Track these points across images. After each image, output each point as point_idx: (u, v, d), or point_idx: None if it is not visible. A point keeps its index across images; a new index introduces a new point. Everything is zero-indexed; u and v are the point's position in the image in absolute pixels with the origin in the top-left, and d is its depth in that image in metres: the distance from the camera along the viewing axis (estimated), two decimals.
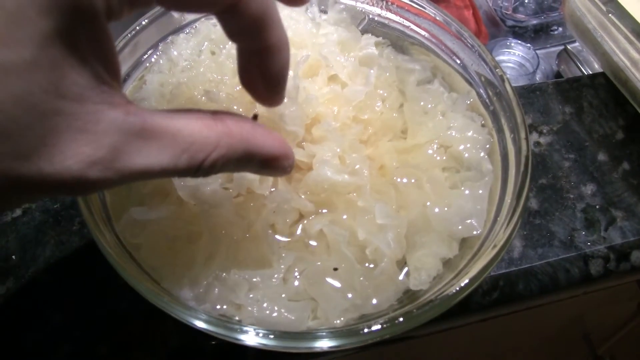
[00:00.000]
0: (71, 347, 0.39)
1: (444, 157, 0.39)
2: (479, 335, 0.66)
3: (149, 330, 0.40)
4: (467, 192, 0.36)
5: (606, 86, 0.53)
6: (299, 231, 0.34)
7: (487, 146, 0.39)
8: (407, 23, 0.44)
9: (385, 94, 0.40)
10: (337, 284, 0.32)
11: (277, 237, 0.33)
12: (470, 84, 0.41)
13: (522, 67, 0.81)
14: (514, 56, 0.81)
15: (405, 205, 0.35)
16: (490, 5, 0.84)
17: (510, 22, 0.84)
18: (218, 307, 0.31)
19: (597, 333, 0.75)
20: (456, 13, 0.85)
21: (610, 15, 0.47)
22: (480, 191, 0.37)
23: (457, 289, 0.31)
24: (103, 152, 0.20)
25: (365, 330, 0.29)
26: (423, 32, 0.44)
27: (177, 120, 0.22)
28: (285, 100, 0.34)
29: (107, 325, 0.40)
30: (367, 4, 0.44)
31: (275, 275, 0.32)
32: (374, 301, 0.33)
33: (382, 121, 0.39)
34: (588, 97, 0.53)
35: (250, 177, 0.33)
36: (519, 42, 0.80)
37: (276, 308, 0.31)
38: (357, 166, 0.34)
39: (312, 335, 0.29)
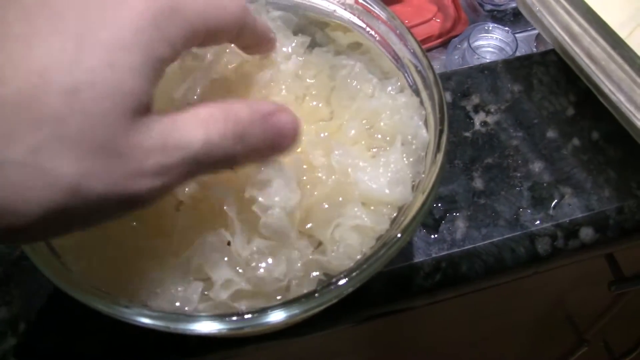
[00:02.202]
0: (15, 340, 0.40)
1: (371, 133, 0.39)
2: (453, 319, 0.66)
3: (93, 321, 0.41)
4: (384, 159, 0.36)
5: (557, 63, 0.52)
6: (201, 205, 0.34)
7: (422, 115, 0.39)
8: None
9: (309, 84, 0.40)
10: (227, 256, 0.32)
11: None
12: (400, 70, 0.41)
13: (502, 51, 0.80)
14: (492, 40, 0.80)
15: (321, 181, 0.35)
16: None
17: (488, 7, 0.83)
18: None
19: (581, 316, 0.73)
20: (435, 0, 0.84)
21: None
22: (404, 159, 0.37)
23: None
24: None
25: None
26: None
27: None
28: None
29: (51, 319, 0.41)
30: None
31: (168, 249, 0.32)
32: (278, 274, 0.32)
33: (304, 109, 0.39)
34: (538, 74, 0.52)
35: None
36: (498, 26, 0.79)
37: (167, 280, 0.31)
38: None
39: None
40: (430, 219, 0.45)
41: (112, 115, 0.23)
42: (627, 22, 0.48)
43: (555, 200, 0.46)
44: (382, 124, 0.38)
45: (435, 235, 0.45)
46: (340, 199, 0.34)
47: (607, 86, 0.44)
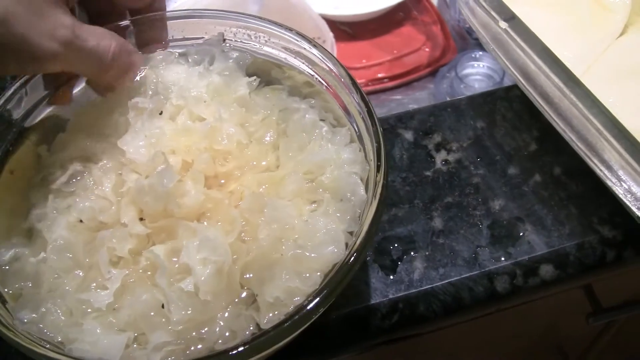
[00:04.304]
0: None
1: (312, 187, 0.39)
2: (444, 352, 0.66)
3: None
4: (319, 218, 0.37)
5: (521, 98, 0.53)
6: (142, 261, 0.35)
7: (365, 172, 0.39)
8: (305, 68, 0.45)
9: (254, 130, 0.41)
10: (165, 318, 0.33)
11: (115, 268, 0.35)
12: (349, 119, 0.42)
13: (490, 79, 0.80)
14: (481, 68, 0.80)
15: (253, 238, 0.36)
16: (449, 17, 0.84)
17: (476, 35, 0.83)
18: (48, 332, 0.33)
19: (571, 346, 0.72)
20: (424, 29, 0.85)
21: (501, 26, 0.47)
22: (339, 217, 0.37)
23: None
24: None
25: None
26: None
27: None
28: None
29: None
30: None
31: (106, 302, 0.33)
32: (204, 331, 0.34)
33: (247, 157, 0.40)
34: (502, 110, 0.52)
35: (98, 206, 0.36)
36: (485, 54, 0.80)
37: (98, 331, 0.33)
38: (193, 192, 0.36)
39: None
40: (388, 260, 0.46)
41: None
42: (582, 59, 0.48)
43: (515, 238, 0.46)
44: (323, 178, 0.39)
45: (393, 276, 0.45)
46: (274, 257, 0.35)
47: (559, 125, 0.45)
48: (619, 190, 0.42)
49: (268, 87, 0.45)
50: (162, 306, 0.33)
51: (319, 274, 0.35)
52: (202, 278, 0.33)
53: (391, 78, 0.81)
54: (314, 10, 0.79)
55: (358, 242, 0.34)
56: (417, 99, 0.81)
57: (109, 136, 0.40)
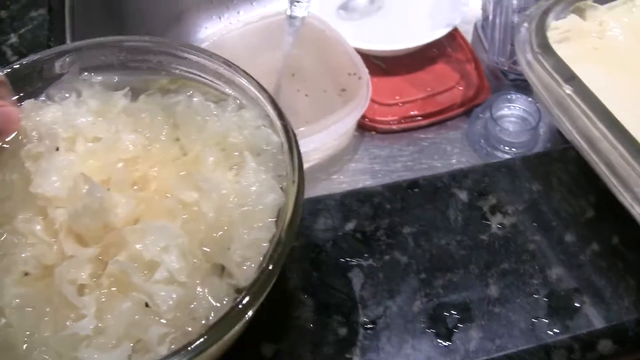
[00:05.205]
0: None
1: (228, 153, 0.41)
2: None
3: None
4: (247, 176, 0.39)
5: (577, 160, 0.51)
6: (104, 280, 0.35)
7: (268, 120, 0.41)
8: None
9: (148, 131, 0.42)
10: (152, 314, 0.34)
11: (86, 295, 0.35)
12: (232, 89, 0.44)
13: (525, 122, 0.79)
14: (516, 110, 0.79)
15: (197, 216, 0.37)
16: (484, 56, 0.83)
17: (511, 76, 0.82)
18: None
19: None
20: (458, 68, 0.84)
21: (565, 90, 0.46)
22: (263, 168, 0.40)
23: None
24: None
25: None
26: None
27: None
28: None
29: None
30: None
31: (90, 327, 0.33)
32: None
33: (154, 155, 0.41)
34: (557, 172, 0.51)
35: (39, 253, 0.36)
36: (521, 95, 0.78)
37: (96, 356, 0.33)
38: (124, 200, 0.37)
39: None
40: (443, 327, 0.45)
41: None
42: None
43: (573, 311, 0.45)
44: (234, 141, 0.41)
45: (449, 344, 0.44)
46: (224, 222, 0.37)
47: (626, 199, 0.43)
48: None
49: (142, 95, 0.45)
50: (146, 304, 0.34)
51: (270, 220, 0.37)
52: (172, 264, 0.34)
53: (424, 116, 0.79)
54: (349, 44, 0.78)
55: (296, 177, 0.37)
56: (450, 139, 0.79)
57: (6, 198, 0.40)
